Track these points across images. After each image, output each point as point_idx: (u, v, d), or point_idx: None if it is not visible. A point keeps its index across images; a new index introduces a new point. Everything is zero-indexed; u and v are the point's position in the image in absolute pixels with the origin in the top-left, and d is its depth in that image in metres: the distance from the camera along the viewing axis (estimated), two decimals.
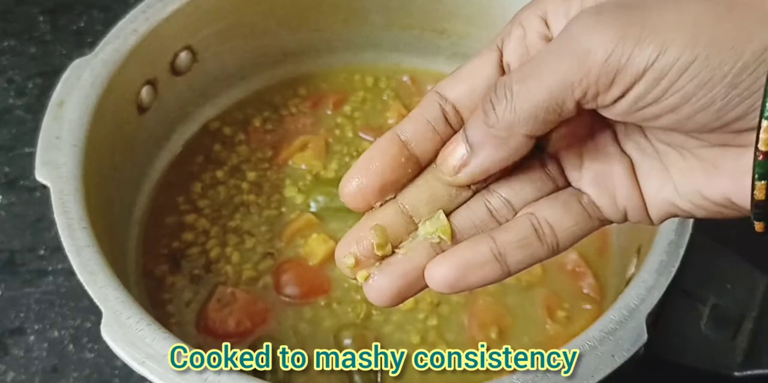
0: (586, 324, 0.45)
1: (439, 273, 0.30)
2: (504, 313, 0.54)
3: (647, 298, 0.42)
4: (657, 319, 0.45)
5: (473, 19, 0.62)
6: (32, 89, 0.72)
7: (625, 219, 0.32)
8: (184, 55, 0.58)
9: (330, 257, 0.56)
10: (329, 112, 0.65)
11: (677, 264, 0.44)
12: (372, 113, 0.65)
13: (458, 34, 0.64)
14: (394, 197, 0.32)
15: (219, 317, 0.53)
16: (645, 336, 0.41)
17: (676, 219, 0.46)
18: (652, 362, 0.45)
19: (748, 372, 0.45)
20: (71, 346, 0.58)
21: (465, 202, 0.32)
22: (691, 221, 0.46)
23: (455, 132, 0.31)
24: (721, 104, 0.26)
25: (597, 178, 0.31)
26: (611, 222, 0.32)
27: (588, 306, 0.55)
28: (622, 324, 0.41)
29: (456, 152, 0.30)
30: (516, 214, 0.31)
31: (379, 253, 0.31)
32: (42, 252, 0.63)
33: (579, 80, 0.27)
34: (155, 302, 0.55)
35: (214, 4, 0.58)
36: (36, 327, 0.59)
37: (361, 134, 0.63)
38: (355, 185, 0.31)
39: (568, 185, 0.32)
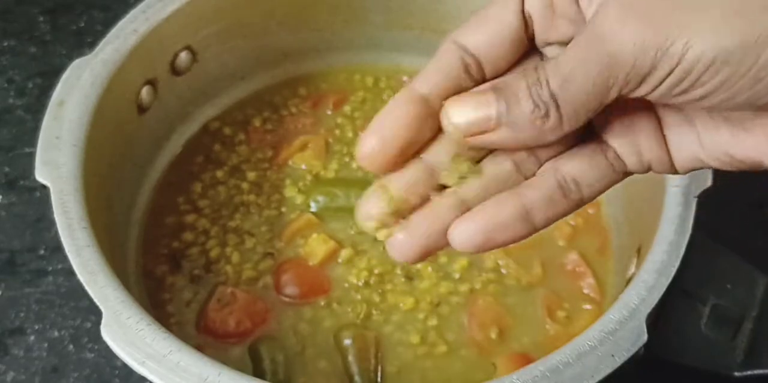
0: (586, 324, 0.45)
1: (465, 235, 0.29)
2: (504, 313, 0.54)
3: (647, 298, 0.42)
4: (657, 319, 0.45)
5: None
6: (32, 89, 0.72)
7: (648, 170, 0.32)
8: (184, 56, 0.58)
9: (330, 257, 0.56)
10: (329, 112, 0.65)
11: (677, 264, 0.44)
12: (372, 113, 0.65)
13: None
14: (417, 156, 0.30)
15: (219, 317, 0.53)
16: (645, 336, 0.41)
17: (677, 219, 0.46)
18: (652, 362, 0.45)
19: (748, 372, 0.45)
20: (71, 346, 0.58)
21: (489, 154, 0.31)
22: (691, 221, 0.46)
23: (476, 85, 0.30)
24: (749, 94, 0.27)
25: (623, 130, 0.31)
26: (632, 174, 0.32)
27: (588, 306, 0.55)
28: (622, 324, 0.41)
29: (480, 113, 0.29)
30: (541, 166, 0.31)
31: (393, 214, 0.30)
32: (42, 252, 0.63)
33: (610, 85, 0.27)
34: (155, 302, 0.55)
35: (214, 5, 0.58)
36: (36, 327, 0.59)
37: (362, 134, 0.63)
38: (372, 146, 0.30)
39: (592, 138, 0.31)
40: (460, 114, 0.29)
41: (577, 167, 0.30)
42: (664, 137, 0.31)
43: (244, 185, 0.60)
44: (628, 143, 0.31)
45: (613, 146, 0.31)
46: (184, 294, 0.55)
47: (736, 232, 0.61)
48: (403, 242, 0.30)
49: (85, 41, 0.75)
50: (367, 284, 0.55)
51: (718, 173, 0.48)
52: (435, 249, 0.30)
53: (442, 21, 0.64)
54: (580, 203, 0.31)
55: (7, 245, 0.63)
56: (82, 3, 0.78)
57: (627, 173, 0.32)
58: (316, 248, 0.57)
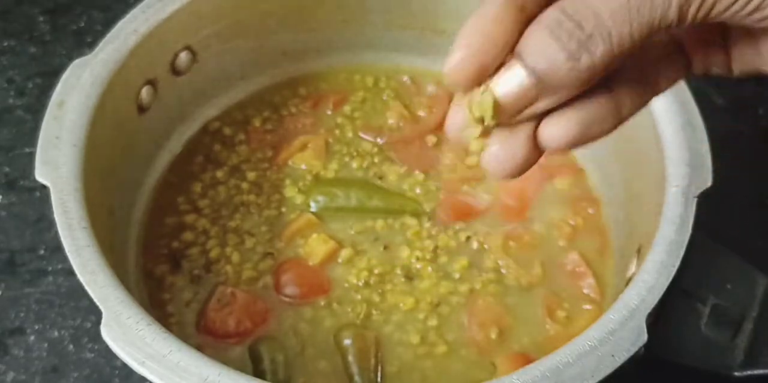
0: (586, 324, 0.45)
1: (561, 129, 0.29)
2: (504, 313, 0.54)
3: (647, 298, 0.42)
4: (657, 319, 0.45)
5: None
6: (32, 89, 0.72)
7: (706, 73, 0.33)
8: (184, 56, 0.58)
9: (330, 257, 0.56)
10: (329, 112, 0.65)
11: (677, 264, 0.44)
12: (372, 113, 0.65)
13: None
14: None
15: (219, 317, 0.53)
16: (645, 336, 0.41)
17: (677, 219, 0.46)
18: (652, 362, 0.45)
19: (748, 372, 0.45)
20: (71, 346, 0.58)
21: None
22: (691, 221, 0.46)
23: None
24: None
25: (691, 32, 0.32)
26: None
27: (588, 306, 0.55)
28: (622, 324, 0.41)
29: (514, 89, 0.28)
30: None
31: (495, 117, 0.29)
32: (42, 252, 0.63)
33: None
34: (155, 302, 0.55)
35: (214, 5, 0.58)
36: (36, 327, 0.59)
37: (361, 134, 0.63)
38: (462, 58, 0.28)
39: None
40: (499, 88, 0.28)
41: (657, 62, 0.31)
42: (726, 44, 0.32)
43: (244, 185, 0.60)
44: (693, 41, 0.32)
45: (687, 50, 0.32)
46: (184, 293, 0.55)
47: (736, 232, 0.61)
48: (499, 153, 0.29)
49: (84, 41, 0.75)
50: (367, 284, 0.55)
51: (718, 174, 0.48)
52: (532, 161, 0.30)
53: (442, 21, 0.64)
54: (657, 93, 0.32)
55: (7, 245, 0.63)
56: (81, 3, 0.78)
57: (688, 68, 0.33)
58: (316, 248, 0.57)
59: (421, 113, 0.64)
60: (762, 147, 0.67)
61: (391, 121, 0.64)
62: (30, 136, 0.68)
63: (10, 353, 0.58)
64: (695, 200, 0.47)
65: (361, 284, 0.55)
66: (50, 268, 0.62)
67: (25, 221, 0.64)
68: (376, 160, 0.62)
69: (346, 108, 0.65)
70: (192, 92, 0.61)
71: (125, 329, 0.41)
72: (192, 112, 0.63)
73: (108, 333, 0.41)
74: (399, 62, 0.66)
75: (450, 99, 0.62)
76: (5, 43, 0.75)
